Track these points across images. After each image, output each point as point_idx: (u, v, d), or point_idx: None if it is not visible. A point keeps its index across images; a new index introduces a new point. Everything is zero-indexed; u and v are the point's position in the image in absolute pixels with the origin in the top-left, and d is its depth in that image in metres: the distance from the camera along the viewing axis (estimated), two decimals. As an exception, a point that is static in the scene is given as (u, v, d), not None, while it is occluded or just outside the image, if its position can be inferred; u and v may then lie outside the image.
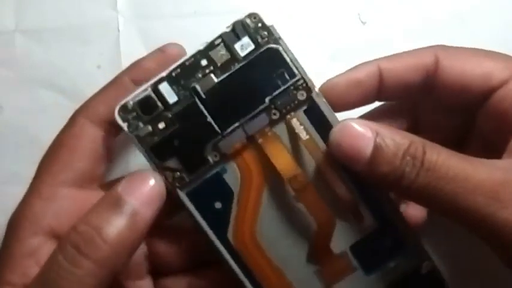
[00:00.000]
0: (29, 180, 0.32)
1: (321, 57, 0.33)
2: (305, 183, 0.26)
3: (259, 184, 0.26)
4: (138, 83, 0.26)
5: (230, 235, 0.26)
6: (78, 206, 0.26)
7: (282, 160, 0.26)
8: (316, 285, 0.27)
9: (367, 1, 0.34)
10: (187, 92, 0.25)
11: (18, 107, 0.33)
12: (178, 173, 0.25)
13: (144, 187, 0.24)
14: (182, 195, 0.26)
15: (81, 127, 0.27)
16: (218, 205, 0.26)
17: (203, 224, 0.26)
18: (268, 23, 0.25)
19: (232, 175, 0.26)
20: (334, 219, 0.26)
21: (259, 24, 0.25)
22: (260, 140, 0.26)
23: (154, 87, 0.25)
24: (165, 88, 0.25)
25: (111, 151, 0.28)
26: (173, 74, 0.25)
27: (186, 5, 0.33)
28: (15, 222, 0.26)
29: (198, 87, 0.25)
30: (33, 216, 0.26)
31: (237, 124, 0.25)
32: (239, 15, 0.25)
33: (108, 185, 0.27)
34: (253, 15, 0.25)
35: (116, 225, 0.23)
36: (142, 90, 0.25)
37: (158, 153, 0.25)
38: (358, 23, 0.34)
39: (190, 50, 0.25)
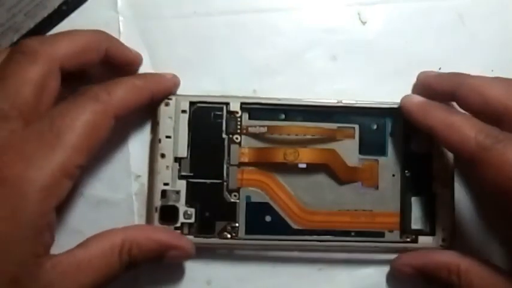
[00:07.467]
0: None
1: (321, 57, 0.33)
2: (295, 151, 0.31)
3: (272, 179, 0.32)
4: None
5: (295, 225, 0.31)
6: None
7: (266, 150, 0.31)
8: None
9: (367, 1, 0.34)
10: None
11: (19, 108, 0.33)
12: (229, 228, 0.31)
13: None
14: (245, 237, 0.31)
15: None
16: (268, 218, 0.31)
17: (275, 238, 0.31)
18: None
19: (255, 194, 0.31)
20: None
21: None
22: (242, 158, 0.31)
23: None
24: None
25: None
26: None
27: (186, 6, 0.33)
28: None
29: None
30: None
31: (225, 166, 0.31)
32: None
33: None
34: None
35: None
36: None
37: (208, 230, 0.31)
38: (358, 23, 0.34)
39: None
